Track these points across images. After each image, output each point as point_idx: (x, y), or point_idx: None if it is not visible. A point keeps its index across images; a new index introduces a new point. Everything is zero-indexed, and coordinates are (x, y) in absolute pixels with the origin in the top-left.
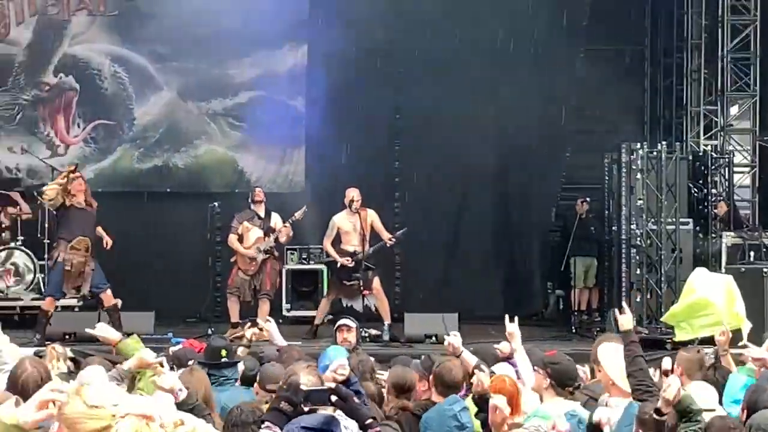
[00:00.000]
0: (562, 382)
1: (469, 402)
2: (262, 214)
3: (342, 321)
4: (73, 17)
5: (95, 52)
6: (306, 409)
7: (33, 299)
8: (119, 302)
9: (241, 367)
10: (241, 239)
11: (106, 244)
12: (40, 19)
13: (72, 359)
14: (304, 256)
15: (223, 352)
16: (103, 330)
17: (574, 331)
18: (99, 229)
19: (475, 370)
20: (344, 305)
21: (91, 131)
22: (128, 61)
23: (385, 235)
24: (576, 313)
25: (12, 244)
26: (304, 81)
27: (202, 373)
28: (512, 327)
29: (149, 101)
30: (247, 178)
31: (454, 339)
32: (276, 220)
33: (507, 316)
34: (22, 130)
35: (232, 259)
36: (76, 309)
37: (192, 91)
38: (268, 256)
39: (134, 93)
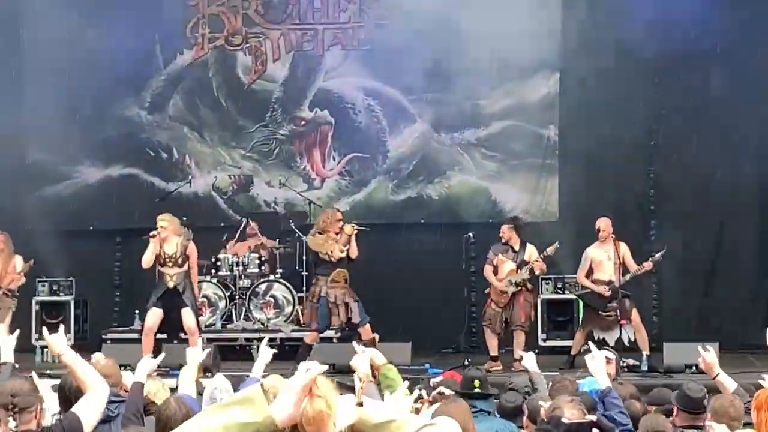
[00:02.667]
0: None
1: None
2: (516, 247)
3: (601, 353)
4: (327, 52)
5: (349, 86)
6: None
7: (293, 331)
8: (377, 337)
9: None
10: (495, 271)
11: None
12: (296, 55)
13: None
14: (560, 286)
15: (476, 383)
16: (373, 353)
17: None
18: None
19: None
20: (596, 338)
21: (345, 164)
22: (381, 94)
23: (634, 267)
24: None
25: (271, 277)
26: (556, 109)
27: (463, 404)
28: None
29: (402, 133)
30: (500, 207)
31: (709, 355)
32: (530, 252)
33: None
34: (279, 165)
35: (486, 291)
36: (335, 340)
37: (444, 122)
38: (520, 288)
39: (387, 125)
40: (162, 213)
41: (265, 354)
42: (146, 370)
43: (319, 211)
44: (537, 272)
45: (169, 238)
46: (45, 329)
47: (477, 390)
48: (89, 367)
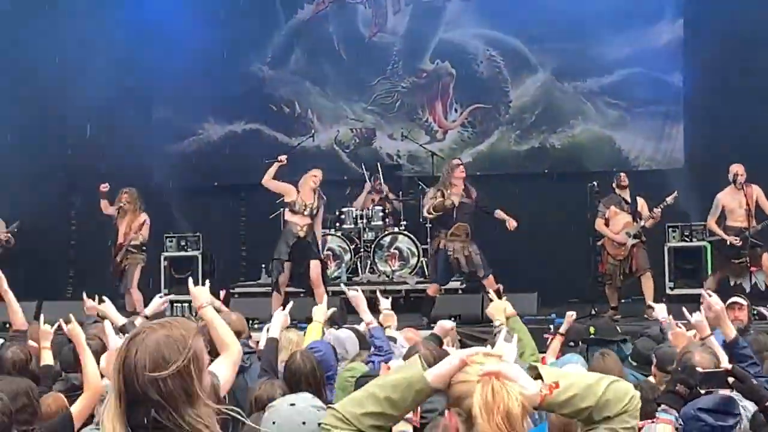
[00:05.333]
0: None
1: None
2: (629, 199)
3: (733, 299)
4: (448, 3)
5: (470, 37)
6: (702, 391)
7: (417, 282)
8: (501, 287)
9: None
10: (607, 224)
11: (509, 225)
12: (416, 6)
13: (459, 341)
14: (687, 234)
15: (591, 329)
16: (499, 305)
17: None
18: (500, 212)
19: None
20: (732, 284)
21: (468, 115)
22: (503, 44)
23: None
24: None
25: (396, 229)
26: (681, 55)
27: (616, 357)
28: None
29: (524, 83)
30: (624, 156)
31: None
32: (642, 203)
33: None
34: (401, 117)
35: (599, 243)
36: (460, 291)
37: (567, 71)
38: (637, 240)
39: (509, 76)
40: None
41: (357, 297)
42: (280, 325)
43: (441, 163)
44: (649, 224)
45: (308, 189)
46: (191, 279)
47: (593, 336)
48: (225, 325)
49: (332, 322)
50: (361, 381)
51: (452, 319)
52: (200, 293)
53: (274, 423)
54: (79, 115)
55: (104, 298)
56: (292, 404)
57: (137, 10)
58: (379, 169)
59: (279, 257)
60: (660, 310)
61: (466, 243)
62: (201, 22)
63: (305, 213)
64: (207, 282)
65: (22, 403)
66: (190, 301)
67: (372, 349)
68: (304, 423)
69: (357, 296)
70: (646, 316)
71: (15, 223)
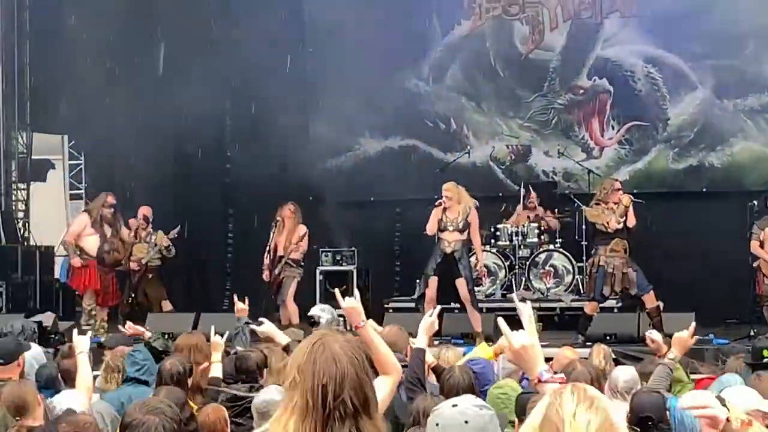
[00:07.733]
0: None
1: None
2: None
3: None
4: (606, 20)
5: (628, 54)
6: None
7: (572, 300)
8: (661, 305)
9: None
10: (762, 245)
11: None
12: (574, 23)
13: (614, 360)
14: None
15: (765, 352)
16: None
17: None
18: None
19: None
20: None
21: (625, 133)
22: (661, 61)
23: None
24: None
25: (551, 247)
26: None
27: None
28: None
29: (683, 101)
30: None
31: None
32: None
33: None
34: (557, 134)
35: (755, 264)
36: (616, 310)
37: (727, 89)
38: None
39: (668, 93)
40: (447, 182)
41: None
42: (425, 330)
43: (597, 180)
44: None
45: (453, 205)
46: (337, 291)
47: (766, 360)
48: (385, 344)
49: (487, 339)
50: (522, 398)
51: (607, 338)
52: (354, 310)
53: (437, 425)
54: (238, 130)
55: (262, 320)
56: (455, 405)
57: (297, 28)
58: (535, 187)
59: (426, 272)
60: None
61: (625, 259)
62: (358, 38)
63: (450, 229)
64: (357, 293)
65: (187, 413)
66: (344, 316)
67: None
68: (466, 422)
69: (526, 308)
70: None
71: (176, 228)
